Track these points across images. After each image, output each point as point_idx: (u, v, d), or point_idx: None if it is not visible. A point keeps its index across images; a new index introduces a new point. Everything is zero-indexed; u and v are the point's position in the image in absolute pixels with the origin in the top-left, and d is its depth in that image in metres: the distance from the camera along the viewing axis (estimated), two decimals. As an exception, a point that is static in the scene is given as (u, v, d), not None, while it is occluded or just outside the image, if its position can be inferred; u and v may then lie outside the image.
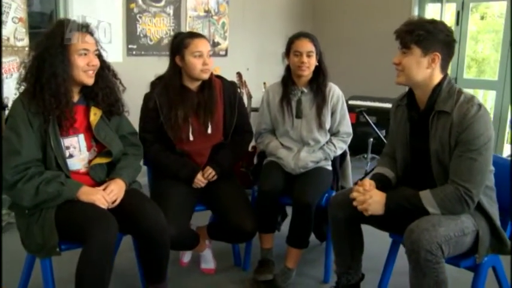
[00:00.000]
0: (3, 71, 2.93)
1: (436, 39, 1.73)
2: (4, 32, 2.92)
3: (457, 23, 4.62)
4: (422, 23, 1.76)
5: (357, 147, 4.93)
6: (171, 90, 2.20)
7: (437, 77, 1.79)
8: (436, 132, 1.78)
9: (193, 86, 2.26)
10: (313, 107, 2.39)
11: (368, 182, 1.89)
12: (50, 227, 1.75)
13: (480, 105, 1.72)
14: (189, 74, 2.22)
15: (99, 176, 1.96)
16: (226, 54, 4.56)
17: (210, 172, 2.26)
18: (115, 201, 1.88)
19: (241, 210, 2.15)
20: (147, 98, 2.26)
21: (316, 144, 2.41)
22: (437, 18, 4.67)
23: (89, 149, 1.95)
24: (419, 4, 4.79)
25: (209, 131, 2.25)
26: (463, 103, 1.73)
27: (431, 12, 4.79)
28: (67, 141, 1.88)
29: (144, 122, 2.26)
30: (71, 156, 1.89)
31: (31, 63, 1.83)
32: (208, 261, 2.46)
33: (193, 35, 2.24)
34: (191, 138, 2.23)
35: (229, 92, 2.33)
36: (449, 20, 4.71)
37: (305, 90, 2.40)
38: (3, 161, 1.75)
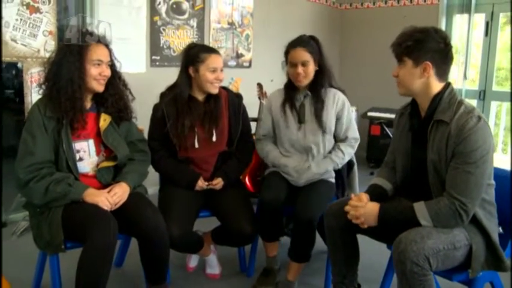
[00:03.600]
0: (29, 79, 3.15)
1: (425, 48, 1.72)
2: (35, 44, 3.14)
3: (486, 33, 4.52)
4: (412, 32, 1.75)
5: (381, 158, 4.88)
6: (180, 101, 2.30)
7: (436, 85, 1.78)
8: (434, 142, 1.77)
9: (201, 96, 2.36)
10: (313, 110, 2.36)
11: (365, 196, 1.89)
12: (56, 226, 1.88)
13: (480, 117, 1.70)
14: (200, 86, 2.32)
15: (105, 179, 2.08)
16: (250, 66, 4.65)
17: (218, 182, 2.34)
18: (118, 203, 1.99)
19: (241, 214, 2.21)
20: (156, 108, 2.37)
21: (318, 151, 2.37)
22: (465, 29, 4.60)
23: (97, 153, 2.07)
24: (446, 15, 4.72)
25: (214, 139, 2.33)
26: (463, 114, 1.71)
27: (459, 23, 4.70)
28: (78, 145, 2.01)
29: (151, 130, 2.38)
30: (80, 159, 2.02)
31: (50, 68, 1.99)
32: (213, 266, 2.52)
33: (210, 50, 2.33)
34: (196, 145, 2.32)
35: (234, 102, 2.41)
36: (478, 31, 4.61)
37: (309, 93, 2.38)
38: (19, 161, 1.90)
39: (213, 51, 2.34)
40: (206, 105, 2.35)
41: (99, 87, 2.02)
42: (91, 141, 2.06)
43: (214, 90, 2.32)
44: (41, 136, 1.92)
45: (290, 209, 2.30)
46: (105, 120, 2.07)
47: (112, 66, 2.08)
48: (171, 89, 2.39)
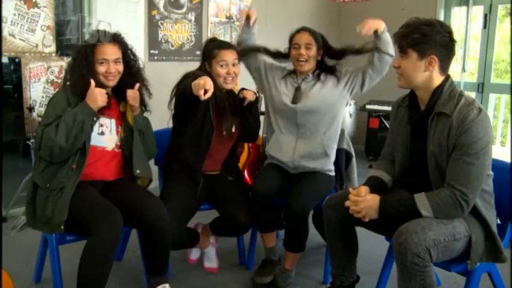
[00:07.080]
0: (27, 74, 3.15)
1: (432, 41, 1.72)
2: (33, 39, 3.14)
3: (485, 26, 4.51)
4: (418, 25, 1.75)
5: (379, 151, 4.91)
6: None
7: (438, 78, 1.79)
8: (435, 134, 1.78)
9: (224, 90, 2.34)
10: (307, 90, 2.36)
11: (364, 189, 1.89)
12: (63, 205, 1.88)
13: (480, 109, 1.71)
14: (214, 81, 2.29)
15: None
16: (248, 59, 4.63)
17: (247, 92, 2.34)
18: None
19: (236, 203, 2.25)
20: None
21: (308, 129, 2.35)
22: (464, 21, 4.60)
23: (117, 133, 2.16)
24: (445, 8, 4.71)
25: (233, 129, 2.36)
26: (464, 106, 1.72)
27: (458, 15, 4.70)
28: (102, 120, 2.10)
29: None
30: (102, 133, 2.10)
31: (68, 65, 2.15)
32: (211, 260, 2.53)
33: (221, 46, 2.33)
34: (213, 136, 2.31)
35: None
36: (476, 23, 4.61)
37: (306, 75, 2.38)
38: (40, 123, 2.00)
39: (224, 46, 2.33)
40: (224, 99, 2.32)
41: (108, 83, 2.09)
42: (113, 121, 2.14)
43: (227, 86, 2.31)
44: (64, 106, 2.00)
45: (283, 202, 2.28)
46: (125, 107, 2.17)
47: (128, 63, 2.15)
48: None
